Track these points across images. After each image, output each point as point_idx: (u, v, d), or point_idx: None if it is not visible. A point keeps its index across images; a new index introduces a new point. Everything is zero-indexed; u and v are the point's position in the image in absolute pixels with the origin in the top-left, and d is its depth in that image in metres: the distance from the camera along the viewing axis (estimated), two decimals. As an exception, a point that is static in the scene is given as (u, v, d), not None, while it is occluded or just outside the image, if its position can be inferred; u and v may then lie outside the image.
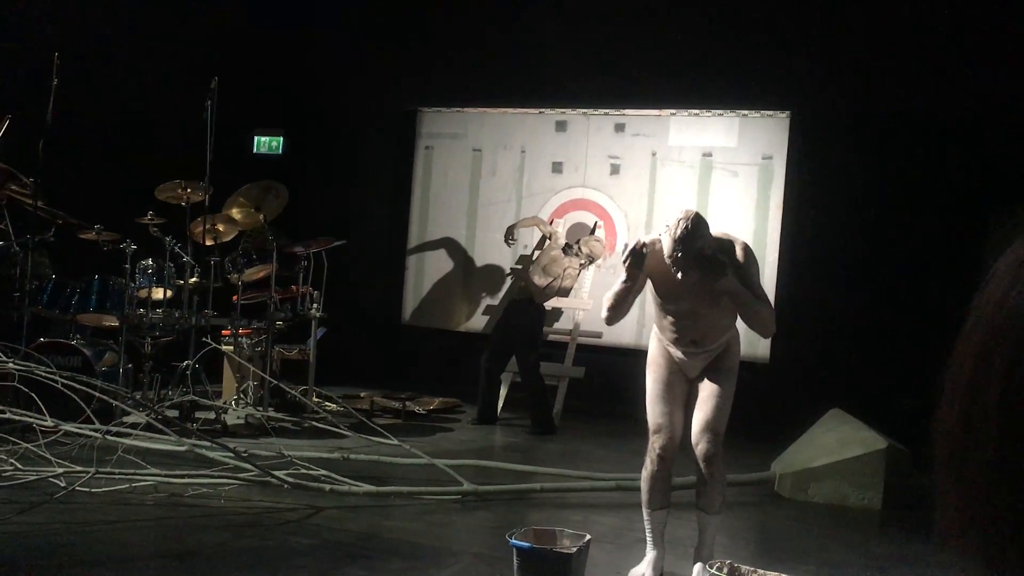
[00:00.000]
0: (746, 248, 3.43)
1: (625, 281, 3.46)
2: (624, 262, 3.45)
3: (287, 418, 6.33)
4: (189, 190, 6.28)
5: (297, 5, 9.15)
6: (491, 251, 8.74)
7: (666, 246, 3.28)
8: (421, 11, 8.90)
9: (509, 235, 7.51)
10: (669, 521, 3.70)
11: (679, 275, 3.27)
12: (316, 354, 7.01)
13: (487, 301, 8.67)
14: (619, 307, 3.51)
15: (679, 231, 3.23)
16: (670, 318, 3.54)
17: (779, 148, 7.86)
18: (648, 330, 8.12)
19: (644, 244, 3.44)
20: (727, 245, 3.40)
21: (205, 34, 8.30)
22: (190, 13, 8.24)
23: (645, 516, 3.65)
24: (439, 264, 9.01)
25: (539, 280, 7.04)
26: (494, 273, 8.68)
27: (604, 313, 3.57)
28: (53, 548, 3.63)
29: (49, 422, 4.52)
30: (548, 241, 7.34)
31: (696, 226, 3.24)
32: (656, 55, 8.09)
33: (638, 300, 8.16)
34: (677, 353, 3.58)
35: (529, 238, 8.18)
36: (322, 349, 7.13)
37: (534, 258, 7.35)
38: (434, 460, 5.07)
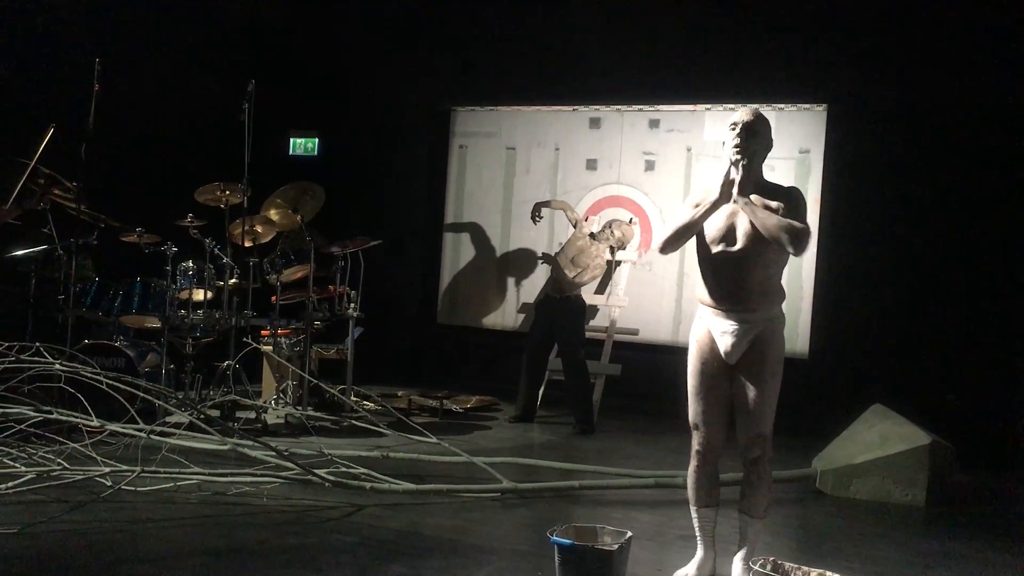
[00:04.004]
0: (793, 190, 3.54)
1: (714, 202, 3.50)
2: (726, 178, 3.51)
3: (326, 417, 6.38)
4: (228, 192, 6.35)
5: (332, 7, 9.21)
6: (526, 249, 8.74)
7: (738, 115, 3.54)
8: (454, 11, 8.92)
9: (536, 212, 7.51)
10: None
11: (737, 156, 3.46)
12: (353, 353, 7.05)
13: (523, 299, 8.68)
14: (684, 234, 3.55)
15: (744, 111, 3.54)
16: (712, 267, 3.51)
17: (816, 141, 7.79)
18: (684, 327, 8.10)
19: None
20: (773, 189, 3.51)
21: (241, 38, 8.39)
22: (226, 19, 8.33)
23: (692, 514, 3.63)
24: (475, 262, 9.03)
25: (568, 272, 7.02)
26: (530, 271, 8.69)
27: (664, 236, 3.56)
28: (100, 546, 3.69)
29: (95, 422, 4.60)
30: (574, 230, 7.32)
31: (761, 116, 3.54)
32: (690, 50, 8.04)
33: (674, 295, 8.09)
34: (719, 325, 3.49)
35: (563, 232, 8.16)
36: (359, 348, 7.17)
37: (562, 248, 7.32)
38: (473, 458, 5.09)
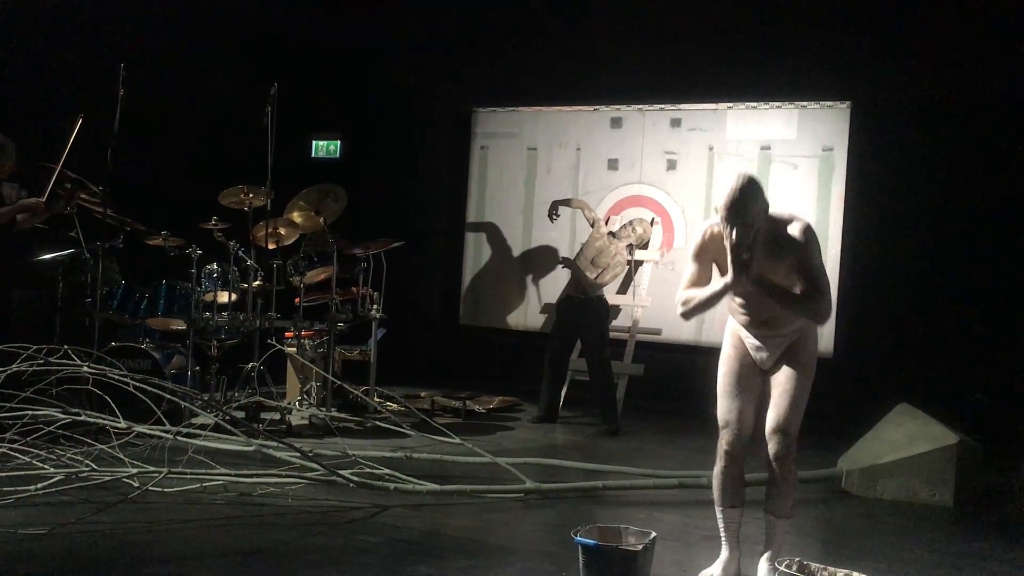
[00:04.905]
0: (805, 230, 3.33)
1: (727, 284, 3.38)
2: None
3: (350, 418, 6.41)
4: (251, 195, 6.38)
5: (352, 10, 9.25)
6: (548, 249, 8.74)
7: (720, 205, 3.29)
8: (474, 12, 8.93)
9: (553, 210, 7.50)
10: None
11: (732, 236, 3.26)
12: (376, 354, 7.08)
13: (544, 299, 8.67)
14: (703, 310, 3.50)
15: (729, 194, 3.23)
16: (739, 299, 3.50)
17: (840, 139, 7.72)
18: (708, 326, 8.07)
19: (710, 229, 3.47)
20: (782, 228, 3.34)
21: (264, 42, 8.44)
22: (249, 22, 8.39)
23: (718, 514, 3.62)
24: (497, 263, 9.04)
25: (589, 273, 7.02)
26: (551, 271, 8.68)
27: (685, 309, 3.51)
28: (128, 546, 3.73)
29: (122, 424, 4.64)
30: (592, 229, 7.31)
31: (746, 188, 3.23)
32: (712, 48, 8.01)
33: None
34: (751, 340, 3.51)
35: (584, 232, 8.15)
36: (382, 349, 7.20)
37: (580, 250, 7.31)
38: (496, 459, 5.10)
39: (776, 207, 3.38)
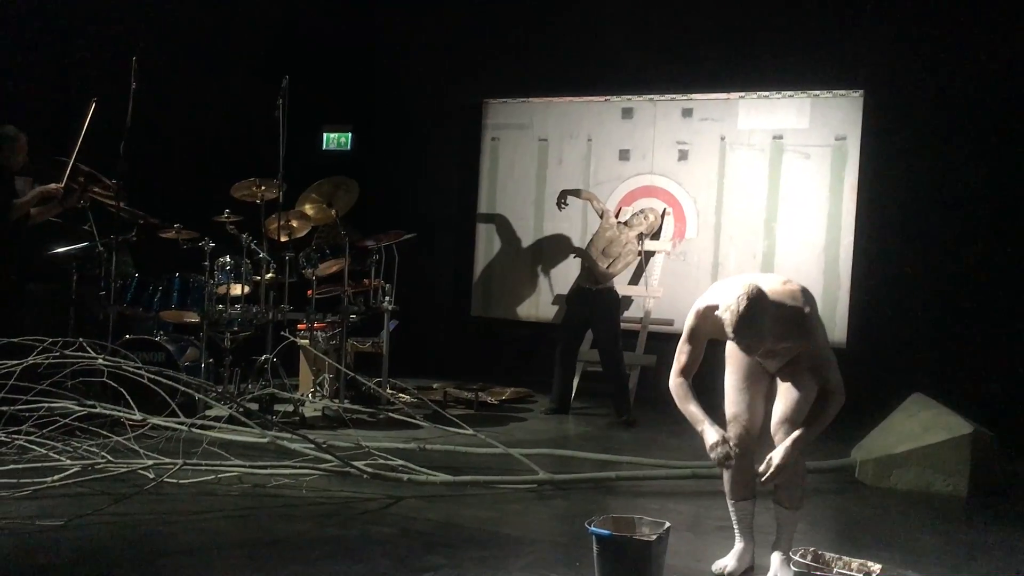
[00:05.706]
0: (807, 320, 3.29)
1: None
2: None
3: (363, 409, 6.42)
4: (263, 188, 6.40)
5: (362, 2, 9.24)
6: (559, 240, 8.73)
7: (725, 322, 3.19)
8: (484, 3, 8.91)
9: (562, 198, 7.49)
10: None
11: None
12: (389, 346, 7.09)
13: (556, 290, 8.67)
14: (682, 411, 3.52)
15: (737, 309, 3.12)
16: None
17: (853, 128, 7.68)
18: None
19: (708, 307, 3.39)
20: (786, 314, 3.26)
21: (275, 35, 8.46)
22: (260, 15, 8.40)
23: (730, 507, 3.62)
24: (508, 255, 9.04)
25: (602, 263, 7.01)
26: (563, 262, 8.67)
27: (674, 396, 3.52)
28: (144, 537, 3.75)
29: (137, 416, 4.67)
30: (601, 220, 7.30)
31: (752, 306, 3.12)
32: (723, 37, 7.97)
33: (709, 285, 8.07)
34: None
35: (596, 222, 8.14)
36: (394, 341, 7.21)
37: (591, 241, 7.30)
38: (509, 450, 5.11)
39: (776, 284, 3.31)
